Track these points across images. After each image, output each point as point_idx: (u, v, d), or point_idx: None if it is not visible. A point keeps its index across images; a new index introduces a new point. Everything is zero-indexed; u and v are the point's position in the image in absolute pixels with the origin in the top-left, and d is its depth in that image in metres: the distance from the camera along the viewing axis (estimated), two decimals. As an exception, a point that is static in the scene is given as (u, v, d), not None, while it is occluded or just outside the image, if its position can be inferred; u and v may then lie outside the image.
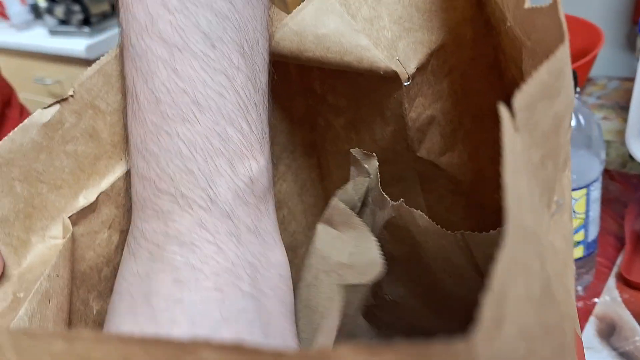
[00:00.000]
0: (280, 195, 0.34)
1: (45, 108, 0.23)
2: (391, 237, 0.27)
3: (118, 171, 0.25)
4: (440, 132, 0.30)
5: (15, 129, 0.22)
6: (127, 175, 0.25)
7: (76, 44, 1.26)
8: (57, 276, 0.22)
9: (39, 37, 1.38)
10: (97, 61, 0.24)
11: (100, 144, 0.25)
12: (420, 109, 0.29)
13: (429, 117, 0.30)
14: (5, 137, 0.22)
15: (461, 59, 0.29)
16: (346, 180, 0.30)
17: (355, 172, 0.27)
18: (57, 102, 0.23)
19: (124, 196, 0.25)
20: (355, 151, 0.27)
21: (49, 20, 1.35)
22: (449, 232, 0.25)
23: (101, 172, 0.25)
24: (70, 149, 0.24)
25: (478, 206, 0.33)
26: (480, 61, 0.29)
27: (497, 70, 0.29)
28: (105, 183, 0.25)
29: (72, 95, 0.24)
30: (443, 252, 0.26)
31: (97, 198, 0.24)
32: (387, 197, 0.26)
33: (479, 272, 0.26)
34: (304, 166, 0.36)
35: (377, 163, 0.26)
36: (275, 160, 0.32)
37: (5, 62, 1.48)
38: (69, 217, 0.23)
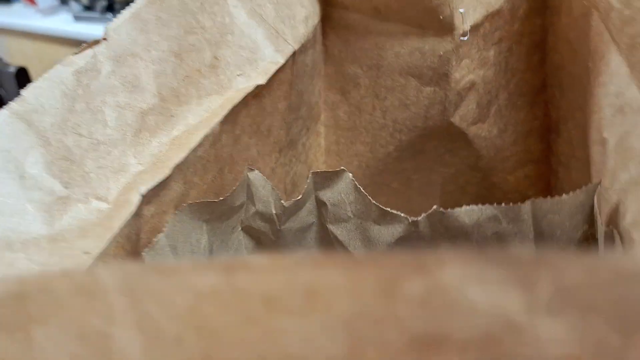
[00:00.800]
0: (295, 177, 0.32)
1: (76, 54, 0.19)
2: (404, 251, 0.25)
3: (173, 131, 0.22)
4: (477, 101, 0.29)
5: (42, 77, 0.19)
6: (202, 145, 0.21)
7: (99, 30, 1.25)
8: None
9: (64, 23, 1.38)
10: (131, 4, 0.21)
11: (145, 96, 0.21)
12: (464, 71, 0.28)
13: (471, 82, 0.28)
14: (31, 85, 0.18)
15: (511, 31, 0.27)
16: (357, 157, 0.28)
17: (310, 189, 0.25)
18: (90, 45, 0.20)
19: (195, 172, 0.22)
20: (314, 174, 0.25)
21: (74, 5, 1.35)
22: (517, 203, 0.22)
23: (151, 129, 0.21)
24: (111, 100, 0.20)
25: (491, 186, 0.32)
26: (527, 38, 0.28)
27: (541, 51, 0.28)
28: (156, 145, 0.21)
29: (105, 39, 0.20)
30: (486, 242, 0.24)
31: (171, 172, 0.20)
32: (400, 214, 0.24)
33: (534, 249, 0.23)
34: (315, 145, 0.34)
35: (350, 175, 0.24)
36: (296, 137, 0.30)
37: (31, 46, 1.49)
38: (143, 195, 0.19)
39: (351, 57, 0.30)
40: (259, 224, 0.25)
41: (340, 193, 0.25)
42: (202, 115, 0.23)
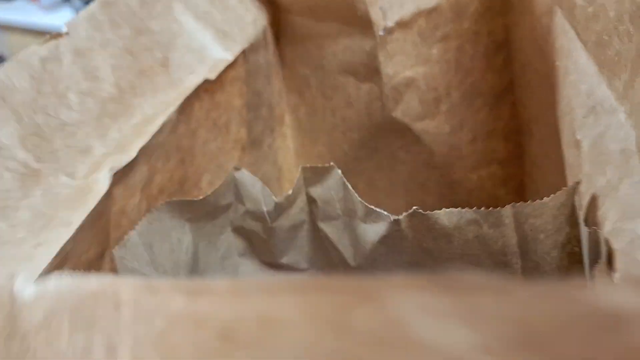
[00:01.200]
0: (264, 178, 0.32)
1: (40, 45, 0.21)
2: (389, 250, 0.25)
3: (133, 119, 0.23)
4: (419, 97, 0.29)
5: (10, 60, 0.20)
6: (161, 131, 0.23)
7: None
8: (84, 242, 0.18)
9: (66, 19, 1.39)
10: (86, 9, 0.23)
11: (104, 85, 0.22)
12: (398, 67, 0.28)
13: (408, 79, 0.29)
14: (1, 67, 0.20)
15: (459, 30, 0.28)
16: (321, 159, 0.28)
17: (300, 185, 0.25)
18: (53, 37, 0.21)
19: (158, 157, 0.23)
20: (303, 168, 0.24)
21: (77, 2, 1.36)
22: (497, 208, 0.21)
23: (111, 115, 0.22)
24: (74, 86, 0.21)
25: (452, 184, 0.32)
26: (485, 38, 0.28)
27: (506, 52, 0.28)
28: (116, 130, 0.22)
29: (67, 33, 0.21)
30: (468, 245, 0.23)
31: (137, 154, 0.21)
32: (384, 212, 0.23)
33: (518, 253, 0.23)
34: (283, 147, 0.34)
35: (339, 171, 0.24)
36: (259, 137, 0.31)
37: (33, 43, 1.50)
38: (114, 174, 0.20)
39: (299, 59, 0.31)
40: (249, 224, 0.25)
41: (330, 190, 0.25)
42: (157, 107, 0.24)
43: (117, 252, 0.20)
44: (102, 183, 0.19)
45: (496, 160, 0.31)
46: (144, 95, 0.24)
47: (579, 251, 0.20)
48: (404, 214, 0.22)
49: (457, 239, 0.22)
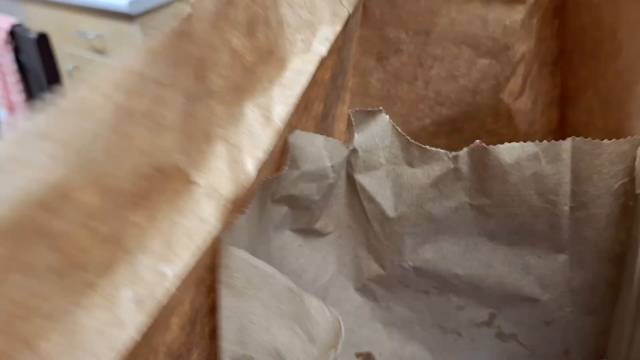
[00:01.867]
0: None
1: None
2: (438, 194, 0.23)
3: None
4: (522, 73, 0.27)
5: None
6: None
7: (119, -2, 1.24)
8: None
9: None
10: None
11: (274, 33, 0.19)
12: (520, 42, 0.26)
13: (522, 54, 0.26)
14: None
15: None
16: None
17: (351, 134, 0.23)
18: None
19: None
20: (354, 112, 0.22)
21: (93, -26, 1.33)
22: (560, 141, 0.20)
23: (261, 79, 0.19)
24: (235, 33, 0.18)
25: None
26: (552, 3, 0.26)
27: (561, 17, 0.26)
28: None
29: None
30: (524, 184, 0.22)
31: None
32: (441, 150, 0.22)
33: (569, 194, 0.22)
34: (341, 115, 0.31)
35: (387, 117, 0.22)
36: (329, 109, 0.28)
37: (50, 15, 1.47)
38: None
39: (395, 20, 0.27)
40: (301, 188, 0.23)
41: (375, 137, 0.23)
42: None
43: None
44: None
45: (551, 131, 0.30)
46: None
47: (632, 206, 0.20)
48: (465, 149, 0.22)
49: (515, 176, 0.22)
